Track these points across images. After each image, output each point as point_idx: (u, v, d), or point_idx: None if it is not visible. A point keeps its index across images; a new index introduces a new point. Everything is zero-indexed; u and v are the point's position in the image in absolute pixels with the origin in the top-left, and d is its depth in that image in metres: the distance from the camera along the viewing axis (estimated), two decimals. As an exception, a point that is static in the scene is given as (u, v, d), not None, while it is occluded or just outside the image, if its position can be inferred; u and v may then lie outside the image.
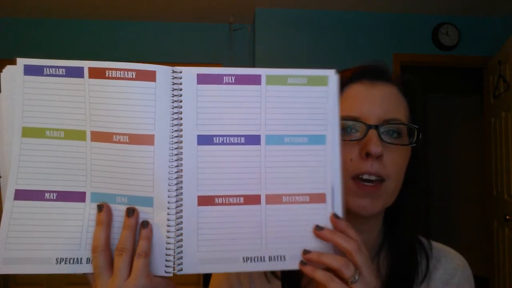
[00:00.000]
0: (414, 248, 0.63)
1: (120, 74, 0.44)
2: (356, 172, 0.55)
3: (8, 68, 0.45)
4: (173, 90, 0.45)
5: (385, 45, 3.06)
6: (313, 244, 0.47)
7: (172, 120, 0.45)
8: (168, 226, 0.45)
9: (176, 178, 0.45)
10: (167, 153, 0.45)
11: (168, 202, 0.45)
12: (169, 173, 0.45)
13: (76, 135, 0.45)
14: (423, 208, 0.65)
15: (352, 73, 0.60)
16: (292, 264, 0.47)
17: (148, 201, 0.45)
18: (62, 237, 0.45)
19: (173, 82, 0.45)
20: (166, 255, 0.45)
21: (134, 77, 0.44)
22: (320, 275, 0.44)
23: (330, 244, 0.47)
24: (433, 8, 3.02)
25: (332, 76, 0.48)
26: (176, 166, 0.45)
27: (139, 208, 0.45)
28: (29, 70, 0.45)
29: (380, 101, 0.57)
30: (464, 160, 4.46)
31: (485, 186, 3.15)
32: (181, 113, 0.45)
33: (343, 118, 0.55)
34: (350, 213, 0.55)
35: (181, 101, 0.45)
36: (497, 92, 2.88)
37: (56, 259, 0.45)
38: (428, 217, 4.70)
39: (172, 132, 0.45)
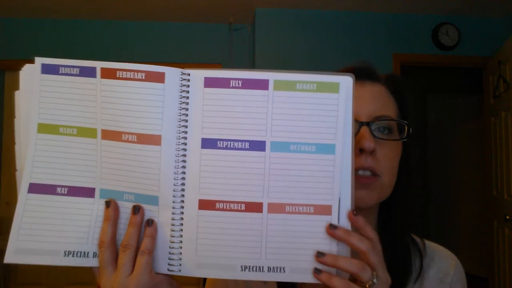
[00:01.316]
0: (407, 246, 0.64)
1: (130, 75, 0.44)
2: None
3: (27, 67, 0.46)
4: (181, 92, 0.45)
5: (385, 45, 3.06)
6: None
7: (180, 121, 0.45)
8: (173, 225, 0.46)
9: (182, 179, 0.46)
10: (173, 153, 0.45)
11: (173, 202, 0.46)
12: (175, 173, 0.45)
13: (87, 132, 0.46)
14: (416, 207, 0.66)
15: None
16: (291, 276, 0.45)
17: (153, 200, 0.46)
18: (71, 230, 0.46)
19: (181, 84, 0.45)
20: (170, 253, 0.46)
21: (143, 78, 0.44)
22: (337, 283, 0.43)
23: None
24: (433, 8, 3.02)
25: (344, 82, 0.45)
26: (182, 167, 0.46)
27: (144, 206, 0.46)
28: (46, 69, 0.46)
29: (370, 99, 0.59)
30: (464, 160, 4.46)
31: (485, 186, 3.15)
32: (187, 115, 0.46)
33: None
34: None
35: (188, 103, 0.45)
36: (497, 92, 2.88)
37: (64, 252, 0.46)
38: (428, 217, 4.70)
39: (179, 133, 0.45)
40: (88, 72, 0.45)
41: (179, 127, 0.45)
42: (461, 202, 4.46)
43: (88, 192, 0.47)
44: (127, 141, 0.45)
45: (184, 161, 0.46)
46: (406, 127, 0.60)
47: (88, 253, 0.46)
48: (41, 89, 0.46)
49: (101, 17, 3.18)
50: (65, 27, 3.20)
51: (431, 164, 4.74)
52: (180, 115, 0.45)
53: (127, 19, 3.22)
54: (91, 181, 0.47)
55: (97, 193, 0.47)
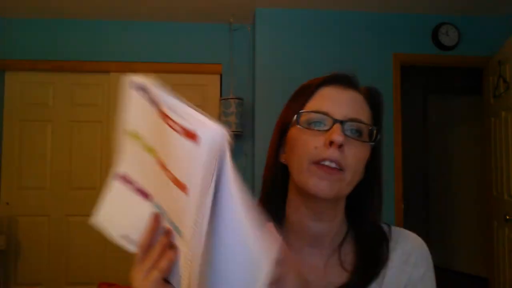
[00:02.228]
0: (376, 236, 0.68)
1: (174, 125, 0.44)
2: (318, 158, 0.61)
3: (125, 78, 0.51)
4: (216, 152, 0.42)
5: (385, 45, 3.06)
6: None
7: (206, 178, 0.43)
8: (186, 259, 0.48)
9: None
10: (195, 206, 0.43)
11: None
12: (194, 223, 0.43)
13: (153, 152, 0.51)
14: (381, 200, 0.71)
15: (327, 77, 0.68)
16: None
17: (180, 232, 0.49)
18: (131, 220, 0.55)
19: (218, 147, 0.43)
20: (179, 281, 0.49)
21: (182, 133, 0.42)
22: None
23: None
24: (433, 8, 3.02)
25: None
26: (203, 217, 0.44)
27: (174, 233, 0.50)
28: (133, 86, 0.50)
29: (348, 102, 0.65)
30: (464, 160, 4.46)
31: (485, 186, 3.15)
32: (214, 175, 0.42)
33: (315, 112, 0.64)
34: (310, 196, 0.63)
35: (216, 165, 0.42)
36: (497, 92, 2.89)
37: (122, 235, 0.55)
38: (428, 217, 4.70)
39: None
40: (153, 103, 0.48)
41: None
42: (461, 202, 4.46)
43: (148, 196, 0.54)
44: (170, 178, 0.47)
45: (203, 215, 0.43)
46: (375, 133, 0.65)
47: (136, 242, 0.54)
48: (128, 102, 0.52)
49: (101, 17, 3.18)
50: (65, 27, 3.20)
51: (431, 164, 4.74)
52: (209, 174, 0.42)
53: (127, 19, 3.22)
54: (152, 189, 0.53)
55: (152, 200, 0.53)
